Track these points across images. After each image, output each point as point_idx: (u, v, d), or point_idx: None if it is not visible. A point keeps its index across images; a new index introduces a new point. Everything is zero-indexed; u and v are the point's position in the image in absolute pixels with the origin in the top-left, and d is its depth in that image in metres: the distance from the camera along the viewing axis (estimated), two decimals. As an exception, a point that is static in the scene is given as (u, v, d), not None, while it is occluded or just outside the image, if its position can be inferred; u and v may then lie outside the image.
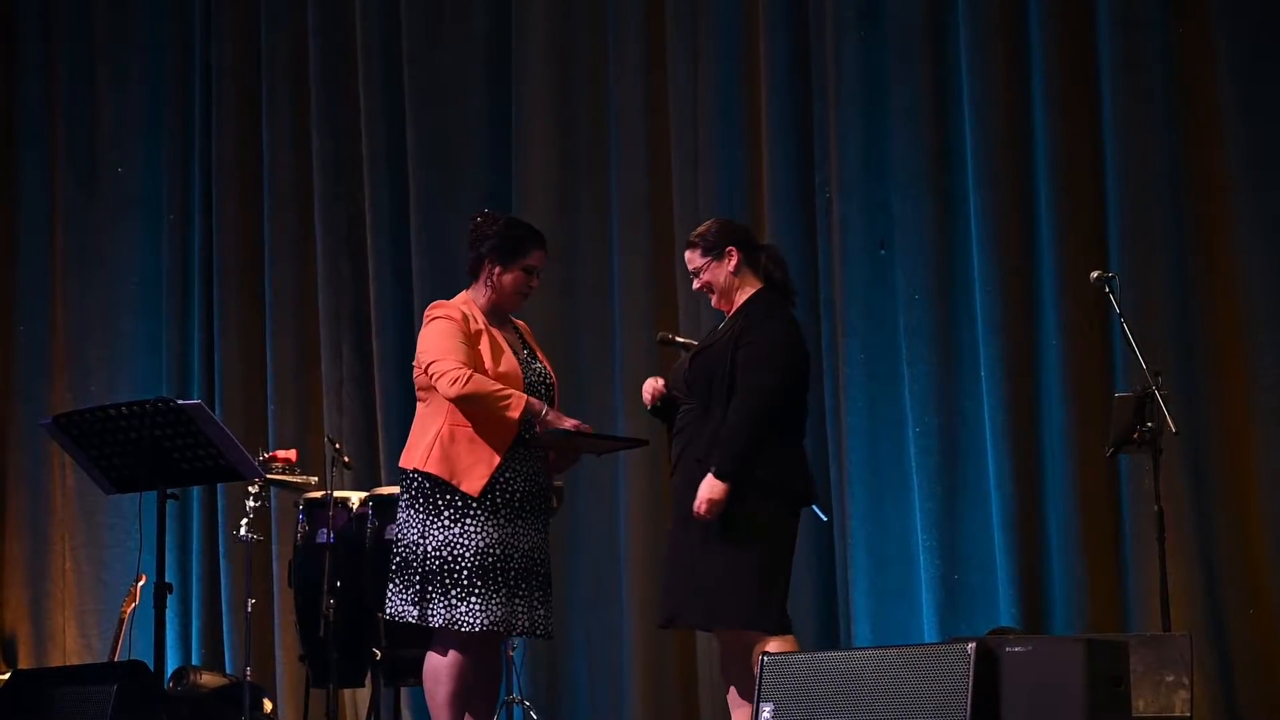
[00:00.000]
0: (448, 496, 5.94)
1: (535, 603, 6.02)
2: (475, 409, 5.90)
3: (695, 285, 6.01)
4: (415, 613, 5.92)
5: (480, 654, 6.03)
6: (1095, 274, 6.46)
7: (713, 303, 6.01)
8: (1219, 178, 7.13)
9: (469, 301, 6.11)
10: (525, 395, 5.92)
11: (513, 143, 8.66)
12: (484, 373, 5.92)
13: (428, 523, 5.95)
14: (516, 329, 6.25)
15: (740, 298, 5.94)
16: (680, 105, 8.22)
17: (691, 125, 8.16)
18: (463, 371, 5.85)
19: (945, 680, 5.33)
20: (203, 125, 9.51)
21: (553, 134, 8.58)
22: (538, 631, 6.07)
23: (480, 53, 8.81)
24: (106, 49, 9.65)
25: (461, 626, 5.88)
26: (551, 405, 6.08)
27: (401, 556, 5.97)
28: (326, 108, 9.14)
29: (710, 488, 5.68)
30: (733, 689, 5.96)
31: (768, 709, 5.52)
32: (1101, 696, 5.26)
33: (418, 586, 5.94)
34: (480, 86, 8.80)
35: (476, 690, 6.09)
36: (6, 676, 7.64)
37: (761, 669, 5.65)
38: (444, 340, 5.97)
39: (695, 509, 5.69)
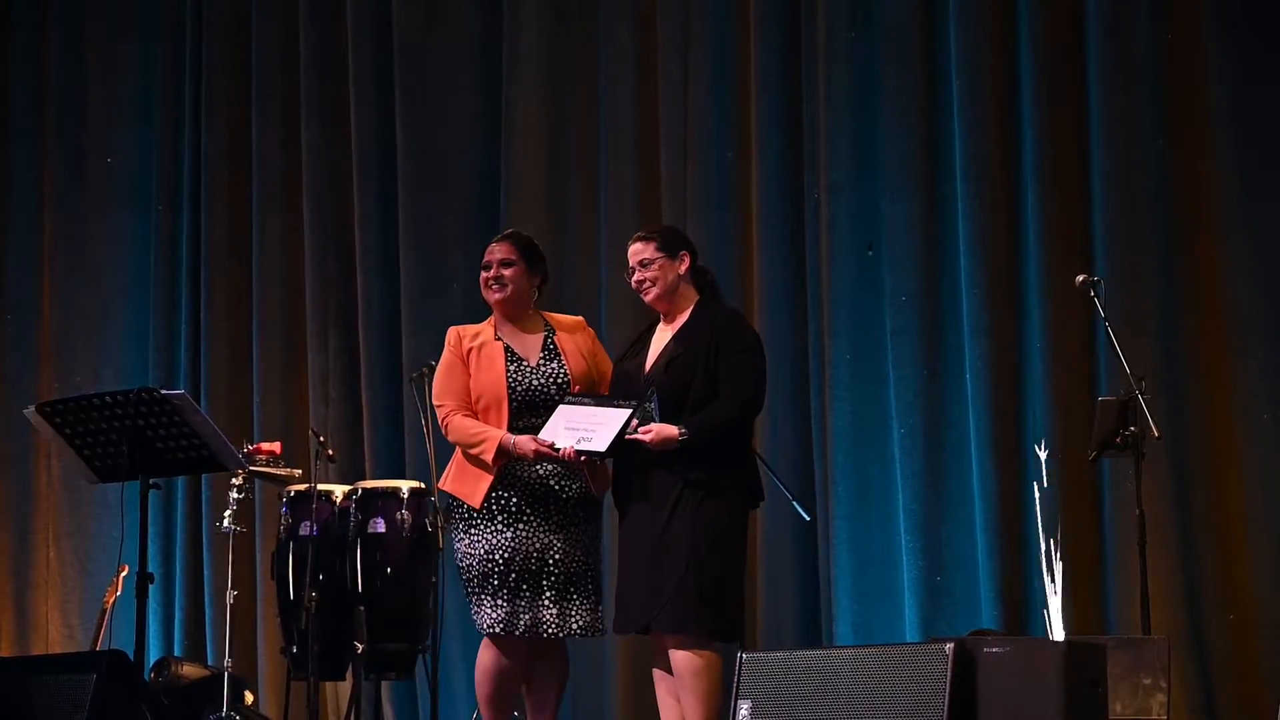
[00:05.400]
0: (462, 509, 6.16)
1: (544, 602, 6.08)
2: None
3: (638, 276, 6.08)
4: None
5: (501, 656, 6.15)
6: (1081, 278, 6.47)
7: (649, 298, 6.08)
8: (1205, 183, 7.15)
9: (491, 320, 6.34)
10: (499, 435, 6.06)
11: (502, 139, 8.67)
12: (467, 400, 6.19)
13: (455, 537, 6.20)
14: (548, 328, 6.36)
15: (683, 304, 6.09)
16: (670, 104, 8.22)
17: (681, 124, 8.17)
18: (447, 420, 6.19)
19: (923, 680, 5.34)
20: (192, 117, 9.51)
21: (543, 131, 8.58)
22: (543, 631, 6.09)
23: (471, 49, 8.82)
24: (97, 39, 9.64)
25: (480, 628, 6.12)
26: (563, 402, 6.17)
27: None
28: (316, 102, 9.15)
29: (667, 436, 5.82)
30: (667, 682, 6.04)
31: (745, 706, 5.53)
32: (1079, 698, 5.27)
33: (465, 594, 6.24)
34: (471, 82, 8.80)
35: (503, 690, 6.23)
36: (-10, 663, 7.63)
37: (739, 667, 5.66)
38: (440, 378, 6.27)
39: (642, 433, 5.83)
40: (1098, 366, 6.87)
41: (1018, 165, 7.28)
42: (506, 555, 6.06)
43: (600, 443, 5.89)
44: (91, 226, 9.56)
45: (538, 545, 6.09)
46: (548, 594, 6.07)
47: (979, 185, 7.23)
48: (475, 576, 6.09)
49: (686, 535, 5.84)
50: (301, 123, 9.18)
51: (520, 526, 6.08)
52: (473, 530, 6.12)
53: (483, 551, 6.08)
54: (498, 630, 6.06)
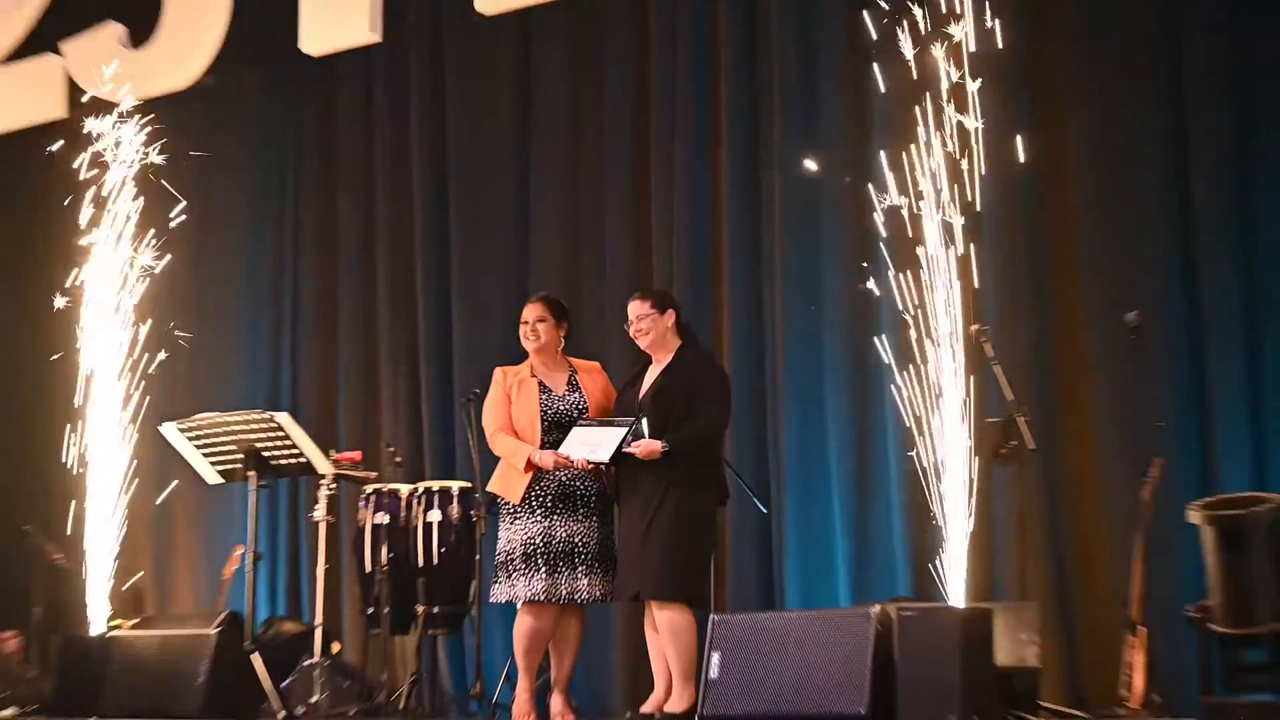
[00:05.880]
0: (507, 505, 6.18)
1: (578, 575, 6.08)
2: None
3: (635, 327, 6.13)
4: (494, 592, 6.20)
5: (537, 619, 6.12)
6: (974, 328, 6.40)
7: (643, 344, 6.15)
8: (1068, 244, 7.12)
9: (529, 362, 6.35)
10: (528, 451, 6.10)
11: (531, 221, 8.66)
12: (510, 423, 6.23)
13: (500, 526, 6.21)
14: (571, 370, 6.39)
15: (669, 348, 6.12)
16: (661, 194, 8.23)
17: (669, 211, 8.17)
18: (493, 437, 6.26)
19: (853, 636, 5.35)
20: (293, 203, 9.55)
21: (561, 216, 8.58)
22: (577, 598, 6.10)
23: (506, 150, 8.79)
24: (220, 139, 9.61)
25: (517, 600, 6.09)
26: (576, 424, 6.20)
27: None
28: (389, 190, 9.13)
29: (652, 449, 5.85)
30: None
31: (716, 656, 5.50)
32: (972, 650, 5.27)
33: (495, 574, 6.18)
34: (507, 174, 8.77)
35: (537, 646, 6.21)
36: (137, 620, 7.61)
37: (711, 627, 5.64)
38: (489, 407, 6.32)
39: (634, 447, 5.87)
40: (986, 395, 6.83)
41: (923, 243, 7.11)
42: (545, 540, 6.08)
43: (604, 454, 5.94)
44: (218, 287, 9.55)
45: (566, 533, 6.10)
46: (580, 568, 6.08)
47: (895, 263, 7.01)
48: (519, 557, 6.08)
49: (668, 524, 5.85)
50: (376, 206, 9.18)
51: (555, 518, 6.11)
52: (516, 522, 6.14)
53: (525, 538, 6.10)
54: (540, 599, 6.05)
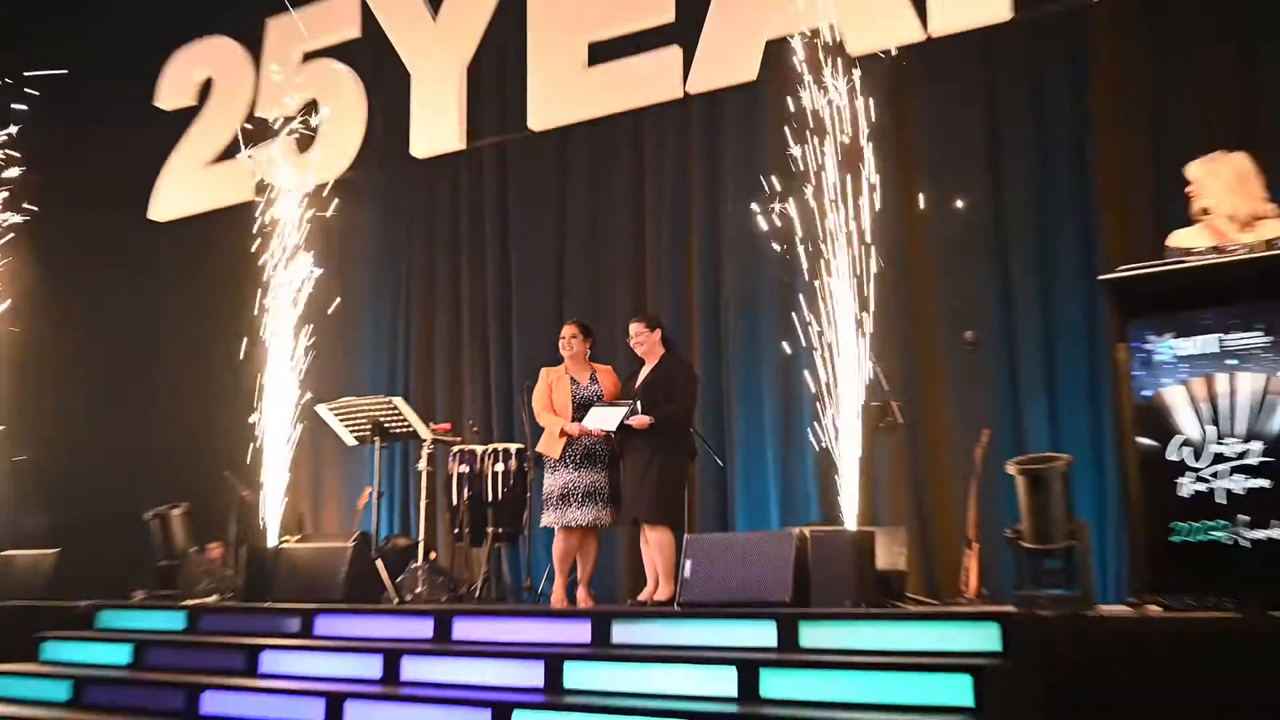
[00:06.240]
0: (549, 460, 6.17)
1: (599, 508, 6.09)
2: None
3: (634, 340, 6.15)
4: (541, 519, 6.20)
5: (569, 538, 6.13)
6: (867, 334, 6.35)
7: (639, 352, 6.17)
8: (929, 290, 7.09)
9: (564, 364, 6.32)
10: (561, 423, 6.10)
11: (565, 270, 8.62)
12: (551, 405, 6.20)
13: (544, 474, 6.21)
14: (593, 371, 6.37)
15: (657, 354, 6.13)
16: (653, 250, 8.21)
17: (658, 267, 8.15)
18: (539, 414, 6.20)
19: (781, 549, 5.33)
20: (407, 263, 9.48)
21: (588, 268, 8.52)
22: (596, 523, 6.10)
23: (549, 219, 8.76)
24: (360, 222, 9.56)
25: (555, 525, 6.10)
26: (594, 406, 6.18)
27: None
28: (469, 255, 9.07)
29: (644, 423, 5.88)
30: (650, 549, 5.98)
31: (689, 562, 5.51)
32: (861, 558, 5.22)
33: (542, 507, 6.20)
34: (549, 240, 8.73)
35: (569, 556, 6.21)
36: (299, 536, 7.61)
37: (685, 543, 5.64)
38: (536, 394, 6.30)
39: (633, 421, 5.86)
40: (870, 386, 6.78)
41: (835, 275, 6.97)
42: (574, 484, 6.08)
43: (612, 425, 5.96)
44: (357, 312, 9.49)
45: (589, 480, 6.10)
46: (599, 503, 6.08)
47: (804, 297, 6.92)
48: (557, 496, 6.09)
49: (656, 473, 5.87)
50: (462, 261, 9.12)
51: (581, 469, 6.10)
52: (555, 472, 6.14)
53: (561, 482, 6.10)
54: (571, 525, 6.06)
